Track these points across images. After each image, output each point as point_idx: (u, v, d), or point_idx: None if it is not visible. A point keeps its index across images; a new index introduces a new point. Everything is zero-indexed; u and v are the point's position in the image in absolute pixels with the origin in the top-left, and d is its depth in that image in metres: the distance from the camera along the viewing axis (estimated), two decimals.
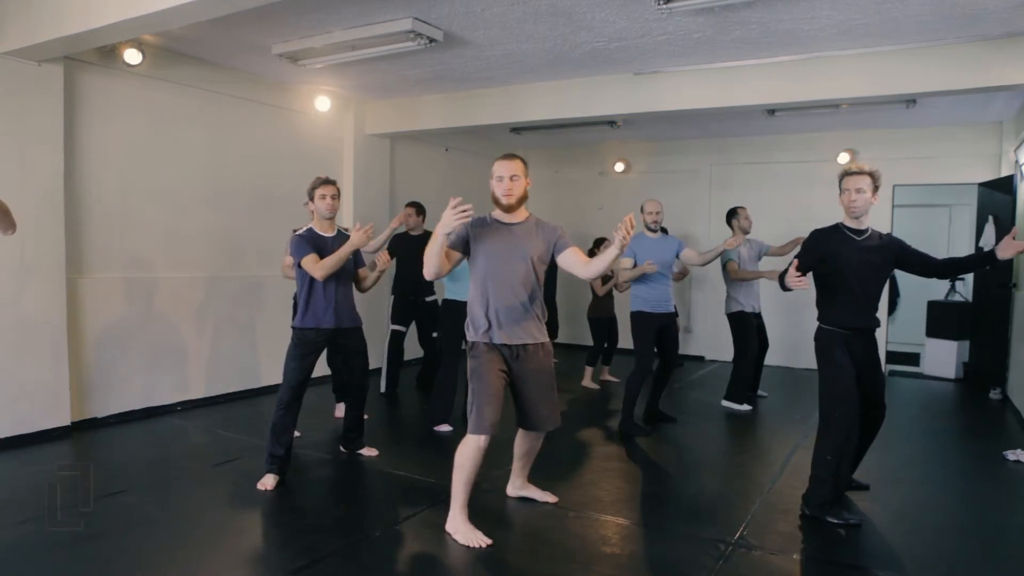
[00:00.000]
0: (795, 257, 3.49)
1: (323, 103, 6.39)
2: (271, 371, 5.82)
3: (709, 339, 8.47)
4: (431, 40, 4.52)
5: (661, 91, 5.62)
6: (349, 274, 4.01)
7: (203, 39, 4.94)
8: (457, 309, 4.58)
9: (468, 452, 3.05)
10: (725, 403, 5.89)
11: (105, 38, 4.18)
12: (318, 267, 3.77)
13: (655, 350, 5.06)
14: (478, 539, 3.05)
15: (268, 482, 3.74)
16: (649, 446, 4.76)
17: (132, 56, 4.83)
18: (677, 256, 5.08)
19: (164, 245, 5.37)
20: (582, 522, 3.38)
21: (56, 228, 4.60)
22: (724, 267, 5.76)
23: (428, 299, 5.94)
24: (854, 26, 4.39)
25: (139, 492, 3.66)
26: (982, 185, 6.92)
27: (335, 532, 3.22)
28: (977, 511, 3.66)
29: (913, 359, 8.29)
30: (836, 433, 3.33)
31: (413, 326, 6.04)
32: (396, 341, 6.00)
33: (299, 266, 3.85)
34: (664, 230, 5.68)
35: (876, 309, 3.45)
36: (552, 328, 5.42)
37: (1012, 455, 4.46)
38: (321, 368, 4.48)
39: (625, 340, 5.83)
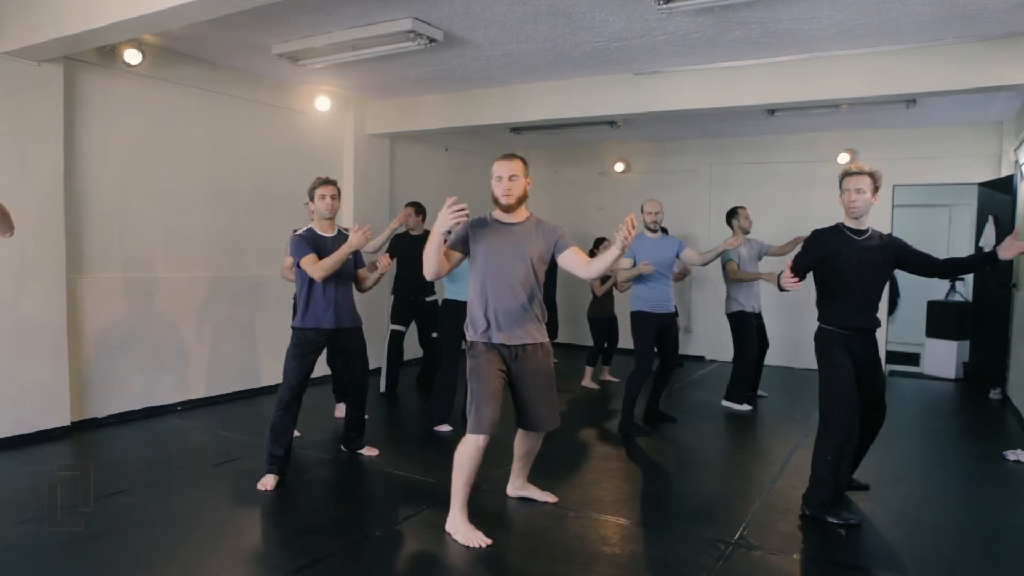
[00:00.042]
0: (795, 257, 3.50)
1: (323, 103, 6.39)
2: (271, 371, 5.82)
3: (709, 339, 8.47)
4: (431, 40, 4.52)
5: (661, 91, 5.62)
6: (349, 274, 4.01)
7: (203, 39, 4.94)
8: (457, 309, 4.58)
9: (467, 452, 3.05)
10: (725, 403, 5.89)
11: (105, 38, 4.18)
12: (316, 268, 3.77)
13: (655, 350, 5.06)
14: (478, 539, 3.05)
15: (268, 482, 3.74)
16: (649, 446, 4.76)
17: (132, 56, 4.83)
18: (678, 256, 5.09)
19: (164, 245, 5.37)
20: (582, 522, 3.38)
21: (56, 228, 4.60)
22: (724, 267, 5.77)
23: (428, 299, 5.94)
24: (854, 26, 4.39)
25: (139, 492, 3.66)
26: (982, 185, 6.92)
27: (335, 532, 3.22)
28: (977, 511, 3.66)
29: (913, 359, 8.29)
30: (836, 433, 3.33)
31: (413, 326, 6.05)
32: (396, 341, 6.00)
33: (298, 266, 3.85)
34: (664, 230, 5.68)
35: (876, 309, 3.45)
36: (552, 328, 5.43)
37: (1012, 455, 4.47)
38: (321, 368, 4.49)
39: (625, 340, 5.83)
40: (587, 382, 6.70)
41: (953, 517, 3.57)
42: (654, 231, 5.10)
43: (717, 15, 4.23)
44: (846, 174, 3.39)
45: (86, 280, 4.90)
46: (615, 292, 6.50)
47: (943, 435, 5.35)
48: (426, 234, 3.12)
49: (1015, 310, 6.08)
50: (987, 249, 6.18)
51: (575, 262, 3.12)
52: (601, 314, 6.64)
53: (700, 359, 8.51)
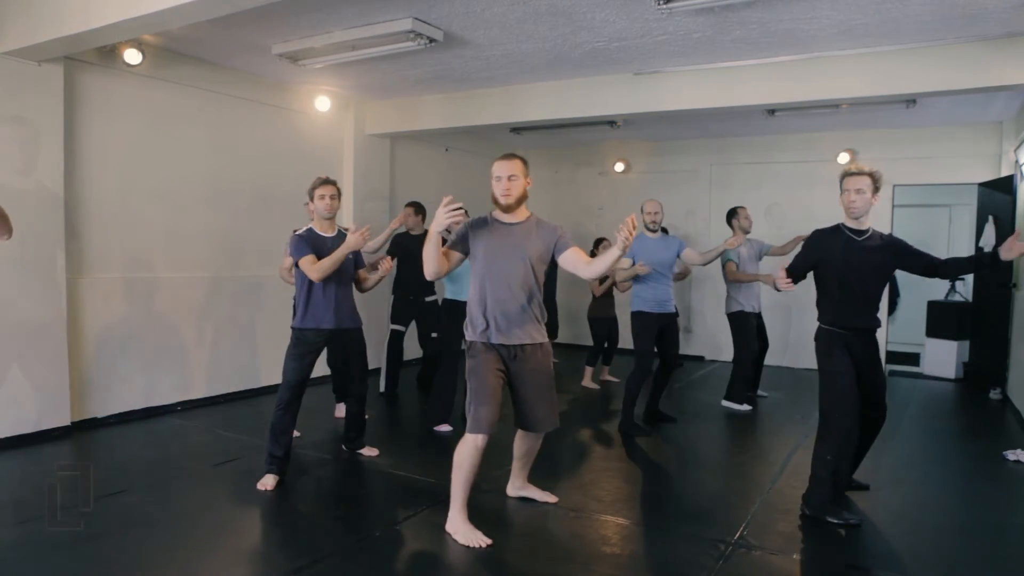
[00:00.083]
0: (796, 256, 3.50)
1: (323, 103, 6.38)
2: (271, 371, 5.81)
3: (709, 339, 8.47)
4: (431, 40, 4.52)
5: (661, 91, 5.62)
6: (349, 275, 4.01)
7: (203, 39, 4.94)
8: (457, 309, 4.59)
9: (466, 452, 3.05)
10: (725, 403, 5.89)
11: (105, 38, 4.18)
12: (314, 269, 3.77)
13: (655, 350, 5.06)
14: (478, 539, 3.05)
15: (268, 482, 3.74)
16: (649, 446, 4.76)
17: (132, 56, 4.83)
18: (678, 256, 5.09)
19: (164, 245, 5.37)
20: (582, 522, 3.38)
21: (56, 228, 4.60)
22: (723, 267, 5.77)
23: (428, 299, 5.94)
24: (854, 26, 4.39)
25: (139, 492, 3.66)
26: (982, 185, 6.92)
27: (335, 532, 3.22)
28: (977, 511, 3.66)
29: (913, 359, 8.29)
30: (836, 433, 3.33)
31: (413, 326, 6.05)
32: (396, 341, 6.00)
33: (297, 266, 3.85)
34: (664, 230, 5.69)
35: (877, 309, 3.46)
36: (552, 328, 5.43)
37: (1012, 455, 4.46)
38: (321, 368, 4.49)
39: (625, 340, 5.83)
40: (587, 382, 6.70)
41: (953, 517, 3.57)
42: (654, 231, 5.10)
43: (717, 15, 4.23)
44: (846, 174, 3.39)
45: (86, 280, 4.90)
46: (615, 292, 6.50)
47: (943, 435, 5.35)
48: (426, 234, 3.12)
49: (1015, 310, 6.08)
50: (987, 249, 6.19)
51: (576, 262, 3.12)
52: (601, 314, 6.64)
53: (700, 359, 8.51)
